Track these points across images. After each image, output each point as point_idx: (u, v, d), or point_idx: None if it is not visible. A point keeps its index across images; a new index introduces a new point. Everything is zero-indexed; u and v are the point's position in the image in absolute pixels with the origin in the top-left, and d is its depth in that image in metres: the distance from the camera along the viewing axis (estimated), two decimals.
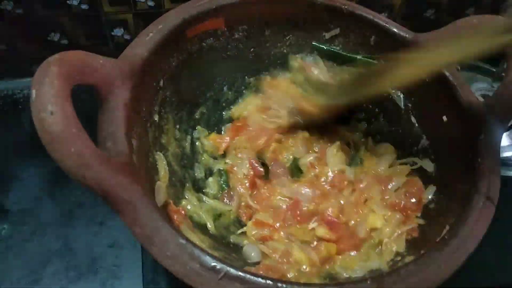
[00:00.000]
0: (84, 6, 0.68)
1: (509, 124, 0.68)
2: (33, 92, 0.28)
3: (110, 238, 0.57)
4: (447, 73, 0.48)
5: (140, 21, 0.72)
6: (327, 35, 0.58)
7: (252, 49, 0.58)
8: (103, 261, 0.55)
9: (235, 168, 0.54)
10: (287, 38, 0.59)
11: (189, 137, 0.55)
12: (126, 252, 0.55)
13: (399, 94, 0.57)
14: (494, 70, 0.69)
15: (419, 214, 0.48)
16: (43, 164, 0.62)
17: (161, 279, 0.52)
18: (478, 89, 0.70)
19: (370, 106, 0.60)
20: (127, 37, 0.74)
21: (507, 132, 0.69)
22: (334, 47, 0.59)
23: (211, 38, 0.53)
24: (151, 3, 0.70)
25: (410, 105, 0.56)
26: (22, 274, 0.52)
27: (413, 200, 0.49)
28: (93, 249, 0.56)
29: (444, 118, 0.50)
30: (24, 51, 0.72)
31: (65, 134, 0.28)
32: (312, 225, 0.49)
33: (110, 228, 0.58)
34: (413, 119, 0.55)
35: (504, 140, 0.69)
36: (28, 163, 0.63)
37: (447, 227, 0.40)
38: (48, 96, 0.28)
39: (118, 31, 0.73)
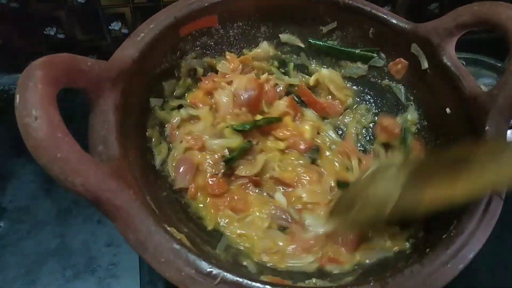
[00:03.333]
0: (80, 0, 0.67)
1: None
2: (17, 96, 0.27)
3: (107, 237, 0.56)
4: (448, 63, 0.47)
5: (138, 14, 0.71)
6: (324, 29, 0.57)
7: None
8: (100, 260, 0.54)
9: None
10: (284, 34, 0.57)
11: None
12: (124, 251, 0.55)
13: (399, 86, 0.55)
14: (500, 65, 0.67)
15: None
16: None
17: (159, 280, 0.51)
18: (484, 84, 0.68)
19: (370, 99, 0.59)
20: (124, 31, 0.73)
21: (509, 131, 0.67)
22: (331, 41, 0.58)
23: (205, 36, 0.52)
24: None
25: (411, 97, 0.54)
26: (18, 273, 0.52)
27: None
28: (90, 248, 0.55)
29: (448, 110, 0.48)
30: (20, 46, 0.71)
31: (50, 140, 0.27)
32: None
33: (108, 226, 0.57)
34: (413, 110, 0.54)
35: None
36: (25, 160, 0.62)
37: (454, 223, 0.38)
38: (32, 100, 0.27)
39: (116, 25, 0.72)
